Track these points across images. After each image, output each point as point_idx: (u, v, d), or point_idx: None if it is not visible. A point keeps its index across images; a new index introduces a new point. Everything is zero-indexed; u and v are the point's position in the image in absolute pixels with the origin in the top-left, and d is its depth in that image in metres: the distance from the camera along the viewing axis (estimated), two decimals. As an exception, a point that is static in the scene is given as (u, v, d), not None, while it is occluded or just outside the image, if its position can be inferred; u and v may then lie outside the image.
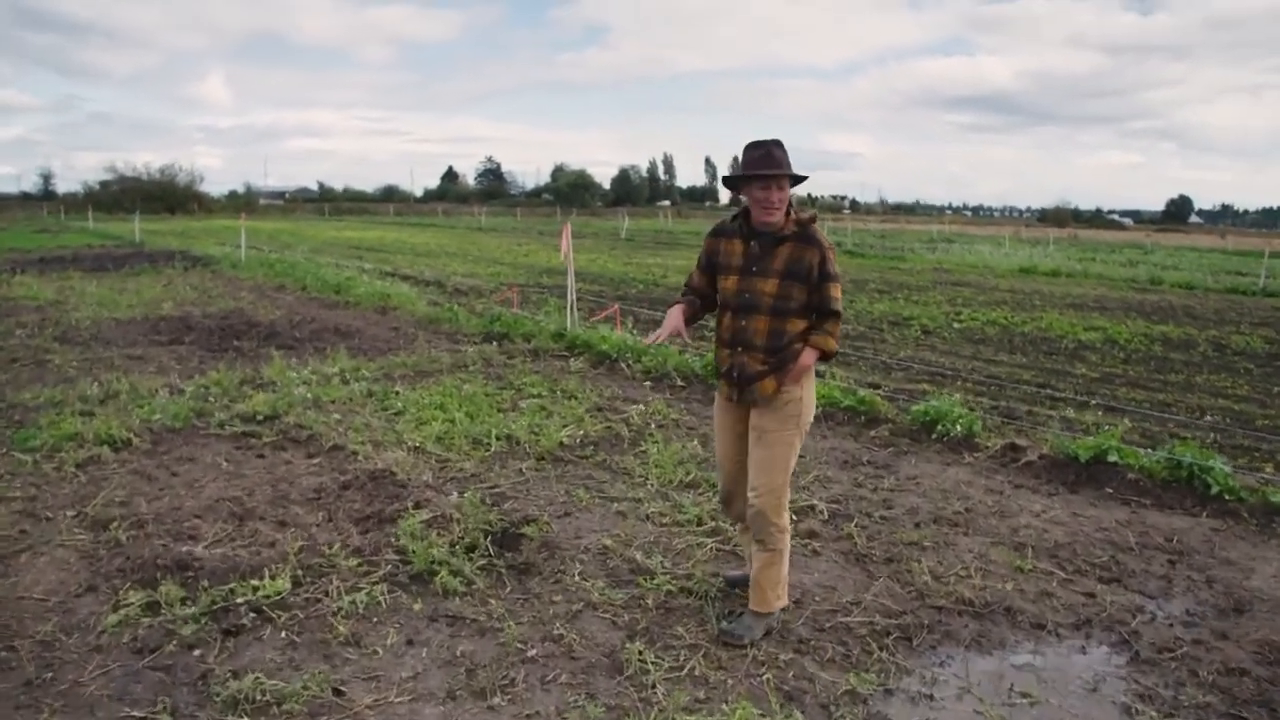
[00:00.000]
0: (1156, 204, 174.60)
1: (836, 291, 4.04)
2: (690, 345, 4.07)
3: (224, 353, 10.49)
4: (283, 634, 4.06)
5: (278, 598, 4.32)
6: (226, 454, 6.60)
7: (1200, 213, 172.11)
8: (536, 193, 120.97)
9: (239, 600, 4.28)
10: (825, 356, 4.11)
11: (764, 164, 3.91)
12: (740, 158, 4.02)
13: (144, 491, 5.78)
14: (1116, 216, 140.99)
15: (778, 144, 3.95)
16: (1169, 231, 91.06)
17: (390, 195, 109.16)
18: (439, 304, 14.78)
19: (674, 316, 4.12)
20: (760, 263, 3.99)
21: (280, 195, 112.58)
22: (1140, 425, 8.27)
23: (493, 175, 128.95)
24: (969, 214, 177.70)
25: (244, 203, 78.78)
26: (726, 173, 4.14)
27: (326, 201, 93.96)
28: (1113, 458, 6.55)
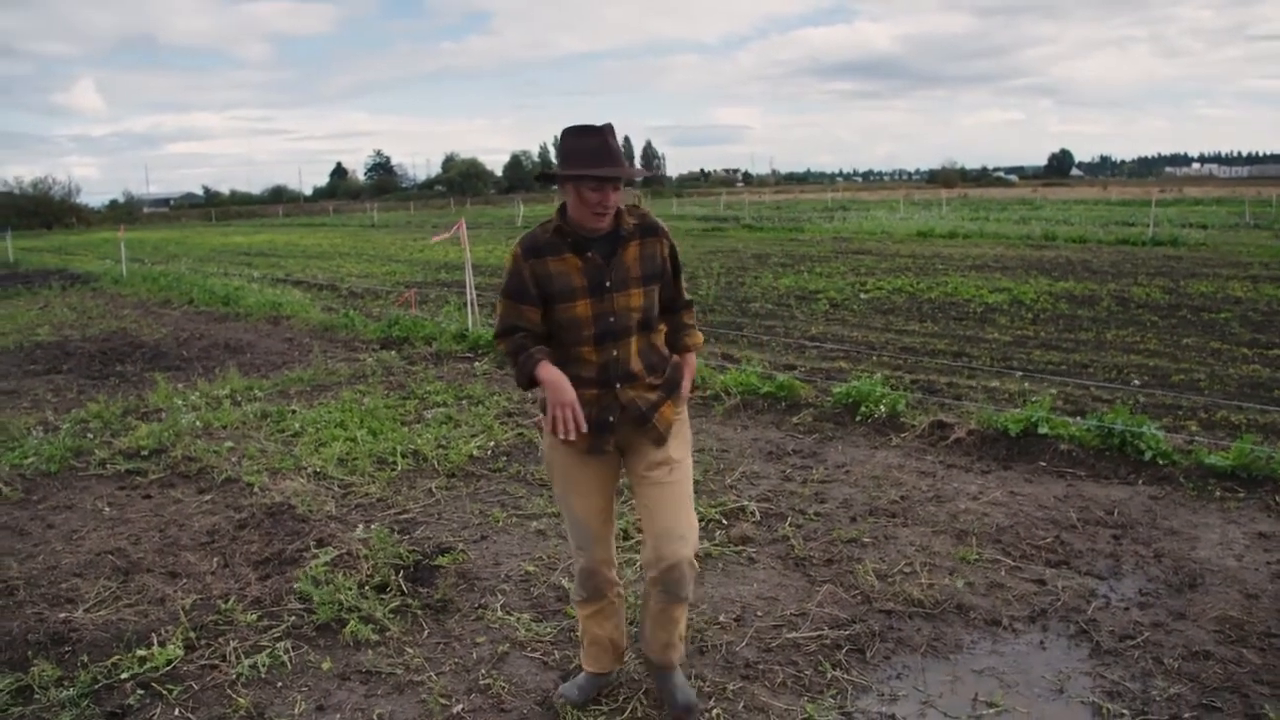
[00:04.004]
0: (1039, 159, 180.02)
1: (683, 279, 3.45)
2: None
3: (105, 380, 9.83)
4: (176, 712, 3.60)
5: (168, 668, 3.86)
6: (109, 497, 6.06)
7: (1081, 165, 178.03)
8: (429, 184, 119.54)
9: (124, 675, 3.80)
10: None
11: (600, 159, 3.00)
12: (561, 146, 3.09)
13: (15, 550, 5.22)
14: (1002, 174, 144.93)
15: (611, 131, 3.06)
16: (1053, 186, 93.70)
17: (279, 196, 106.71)
18: (334, 309, 14.17)
19: (564, 385, 3.02)
20: (612, 274, 3.12)
21: (165, 203, 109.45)
22: (1062, 390, 8.17)
23: (383, 169, 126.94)
24: (860, 179, 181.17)
25: (125, 213, 76.02)
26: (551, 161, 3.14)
27: (213, 206, 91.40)
28: (1043, 429, 6.39)
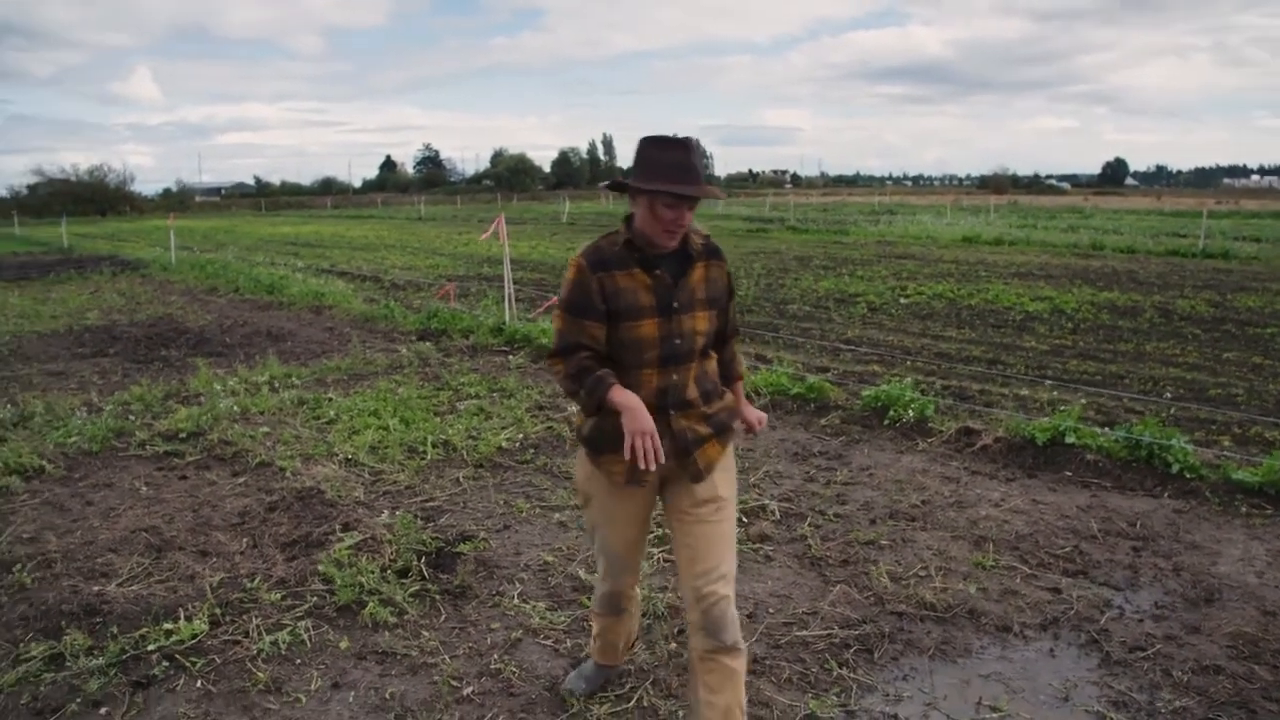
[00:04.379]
0: (1093, 167, 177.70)
1: None
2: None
3: (150, 364, 10.04)
4: (198, 683, 3.73)
5: (193, 642, 3.99)
6: (146, 477, 6.22)
7: (1135, 175, 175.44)
8: (477, 179, 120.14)
9: (150, 647, 3.93)
10: None
11: (682, 175, 2.82)
12: (639, 155, 2.89)
13: (55, 525, 5.39)
14: (1055, 181, 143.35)
15: (694, 146, 2.87)
16: (1106, 194, 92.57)
17: (328, 188, 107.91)
18: (375, 301, 14.36)
19: (644, 412, 2.78)
20: (679, 295, 2.94)
21: (216, 192, 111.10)
22: (1095, 401, 8.12)
23: (432, 163, 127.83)
24: (909, 184, 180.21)
25: (177, 201, 77.36)
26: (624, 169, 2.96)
27: (263, 196, 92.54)
28: (1070, 439, 6.37)
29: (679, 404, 2.97)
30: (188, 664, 3.85)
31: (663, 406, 2.94)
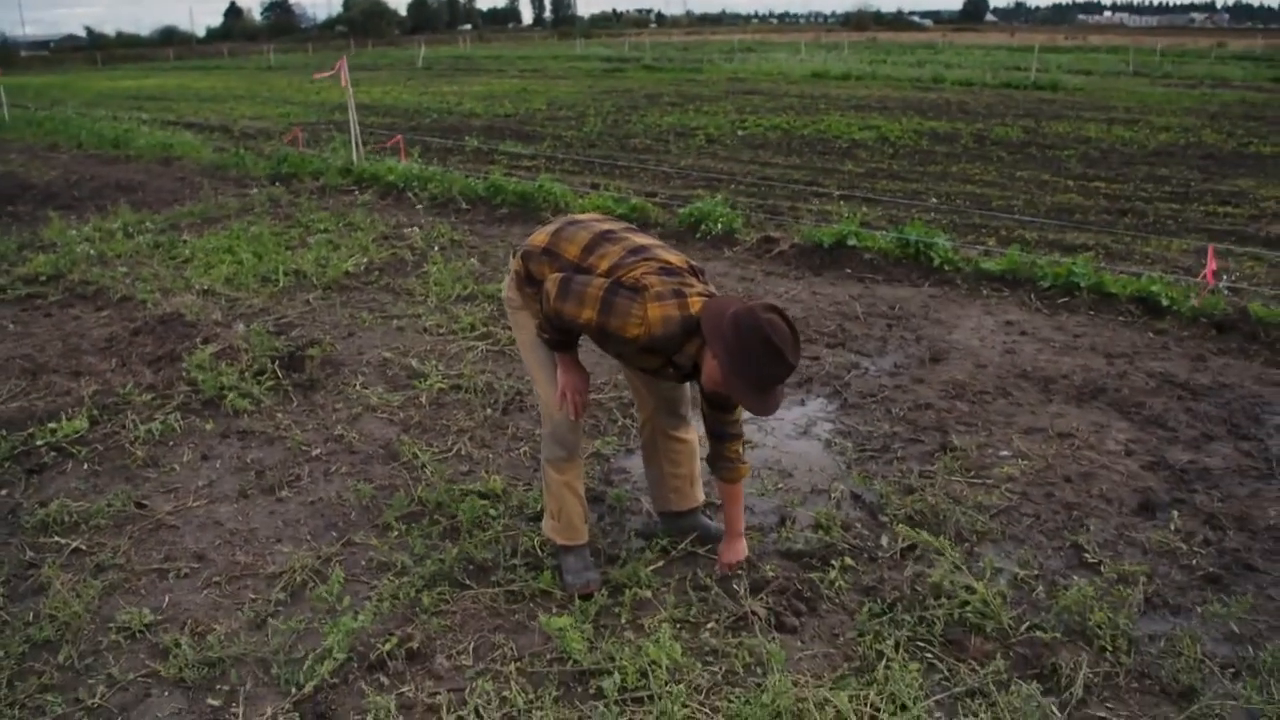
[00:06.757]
0: (955, 3, 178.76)
1: None
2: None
3: (-2, 218, 10.19)
4: (84, 465, 4.39)
5: (76, 436, 4.61)
6: (13, 317, 6.64)
7: (996, 11, 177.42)
8: (330, 24, 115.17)
9: (39, 443, 4.54)
10: None
11: (771, 395, 2.86)
12: (746, 348, 2.69)
13: (-72, 357, 5.86)
14: (917, 18, 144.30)
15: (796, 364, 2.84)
16: (965, 31, 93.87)
17: (169, 38, 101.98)
18: (225, 150, 14.45)
19: (581, 374, 3.29)
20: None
21: (44, 45, 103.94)
22: (888, 214, 9.10)
23: (280, 9, 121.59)
24: (775, 21, 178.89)
25: (1, 56, 72.49)
26: None
27: (98, 50, 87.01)
28: (852, 242, 7.31)
29: None
30: (74, 451, 4.49)
31: None
